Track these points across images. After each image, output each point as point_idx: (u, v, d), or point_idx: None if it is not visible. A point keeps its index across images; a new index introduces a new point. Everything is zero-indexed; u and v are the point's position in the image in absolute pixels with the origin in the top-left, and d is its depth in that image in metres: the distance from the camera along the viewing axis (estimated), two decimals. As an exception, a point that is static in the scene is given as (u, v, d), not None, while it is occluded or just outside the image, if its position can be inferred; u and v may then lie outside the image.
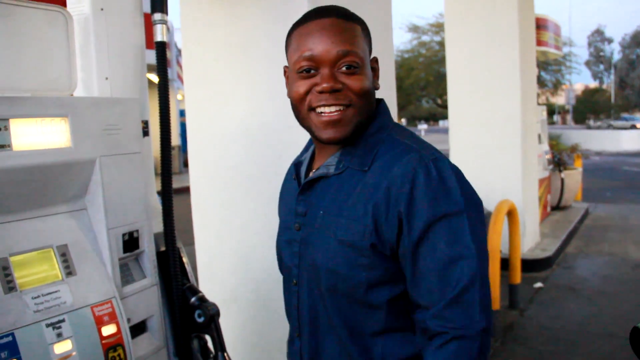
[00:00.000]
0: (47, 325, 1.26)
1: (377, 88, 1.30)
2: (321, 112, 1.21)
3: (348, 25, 1.22)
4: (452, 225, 1.13)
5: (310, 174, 1.34)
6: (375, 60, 1.31)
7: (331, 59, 1.19)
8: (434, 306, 1.13)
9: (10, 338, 1.19)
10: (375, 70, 1.30)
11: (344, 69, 1.19)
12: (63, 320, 1.29)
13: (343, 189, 1.23)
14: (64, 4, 1.60)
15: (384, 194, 1.16)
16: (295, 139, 2.12)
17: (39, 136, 1.28)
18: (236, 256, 2.44)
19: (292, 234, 1.34)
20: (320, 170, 1.29)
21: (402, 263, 1.18)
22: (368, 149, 1.24)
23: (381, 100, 1.34)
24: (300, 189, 1.32)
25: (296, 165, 1.42)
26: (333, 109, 1.20)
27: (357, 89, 1.20)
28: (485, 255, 1.15)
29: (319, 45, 1.19)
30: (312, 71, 1.21)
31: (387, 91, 2.54)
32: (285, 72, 1.34)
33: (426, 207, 1.13)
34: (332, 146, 1.29)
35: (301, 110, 1.25)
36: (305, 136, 1.38)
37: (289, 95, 1.28)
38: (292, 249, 1.34)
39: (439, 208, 1.13)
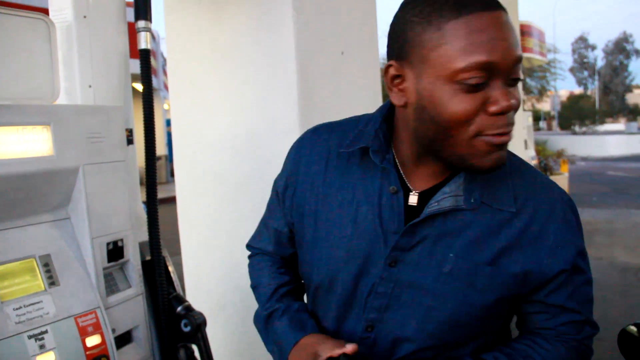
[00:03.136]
0: (30, 337, 1.24)
1: None
2: (492, 137, 0.95)
3: (511, 22, 0.93)
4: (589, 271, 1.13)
5: (412, 195, 1.09)
6: None
7: (509, 69, 0.91)
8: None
9: (-9, 350, 1.16)
10: None
11: (511, 81, 0.93)
12: (46, 332, 1.27)
13: (481, 229, 1.03)
14: (46, 12, 1.59)
15: (535, 242, 1.04)
16: (282, 147, 2.11)
17: (20, 144, 1.27)
18: (223, 265, 2.43)
19: (381, 269, 1.09)
20: (448, 201, 1.03)
21: (538, 297, 1.11)
22: (500, 180, 1.06)
23: None
24: (419, 220, 1.04)
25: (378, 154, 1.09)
26: (507, 132, 0.95)
27: (518, 106, 0.95)
28: None
29: (499, 49, 0.89)
30: (482, 85, 0.92)
31: (374, 100, 2.55)
32: (389, 71, 1.03)
33: (579, 257, 1.09)
34: (435, 164, 1.06)
35: (459, 134, 0.94)
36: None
37: (433, 111, 0.95)
38: (375, 288, 1.10)
39: (585, 252, 1.11)
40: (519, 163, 1.14)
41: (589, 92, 55.15)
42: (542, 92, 32.16)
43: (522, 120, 7.24)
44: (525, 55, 10.02)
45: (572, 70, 56.65)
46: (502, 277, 1.03)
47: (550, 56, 24.41)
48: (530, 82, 29.12)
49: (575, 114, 40.16)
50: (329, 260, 1.15)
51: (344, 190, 1.14)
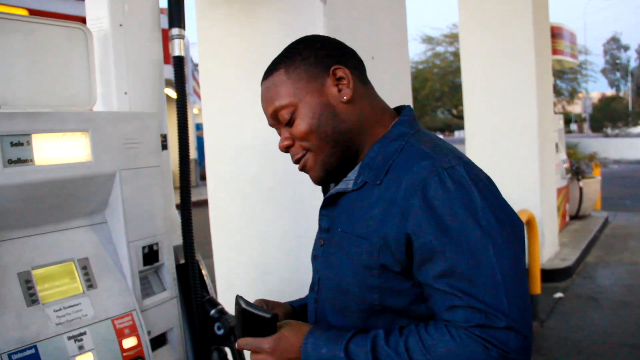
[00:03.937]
0: (69, 338, 1.27)
1: (343, 101, 1.20)
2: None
3: (269, 81, 1.24)
4: (471, 248, 1.00)
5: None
6: (337, 69, 1.20)
7: (273, 123, 1.25)
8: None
9: (33, 350, 1.20)
10: (341, 79, 1.20)
11: (288, 124, 1.22)
12: (84, 333, 1.30)
13: (358, 204, 1.16)
14: (83, 21, 1.63)
15: (393, 209, 1.07)
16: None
17: (60, 151, 1.30)
18: (255, 268, 2.45)
19: (317, 249, 1.28)
20: (340, 185, 1.22)
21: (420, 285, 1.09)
22: (385, 160, 1.16)
23: (405, 107, 1.28)
24: (323, 203, 1.26)
25: None
26: (296, 160, 1.25)
27: (300, 135, 1.21)
28: (517, 283, 1.01)
29: (264, 111, 1.26)
30: (277, 127, 1.27)
31: (403, 103, 2.54)
32: None
33: (437, 228, 1.02)
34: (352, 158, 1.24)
35: None
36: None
37: None
38: (315, 265, 1.29)
39: (453, 226, 1.01)
40: (417, 141, 1.17)
41: (621, 94, 54.01)
42: (573, 95, 31.54)
43: (553, 123, 7.14)
44: (556, 57, 9.85)
45: (603, 71, 55.54)
46: (368, 245, 1.10)
47: (581, 58, 23.99)
48: (560, 84, 28.61)
49: (607, 116, 39.38)
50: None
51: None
